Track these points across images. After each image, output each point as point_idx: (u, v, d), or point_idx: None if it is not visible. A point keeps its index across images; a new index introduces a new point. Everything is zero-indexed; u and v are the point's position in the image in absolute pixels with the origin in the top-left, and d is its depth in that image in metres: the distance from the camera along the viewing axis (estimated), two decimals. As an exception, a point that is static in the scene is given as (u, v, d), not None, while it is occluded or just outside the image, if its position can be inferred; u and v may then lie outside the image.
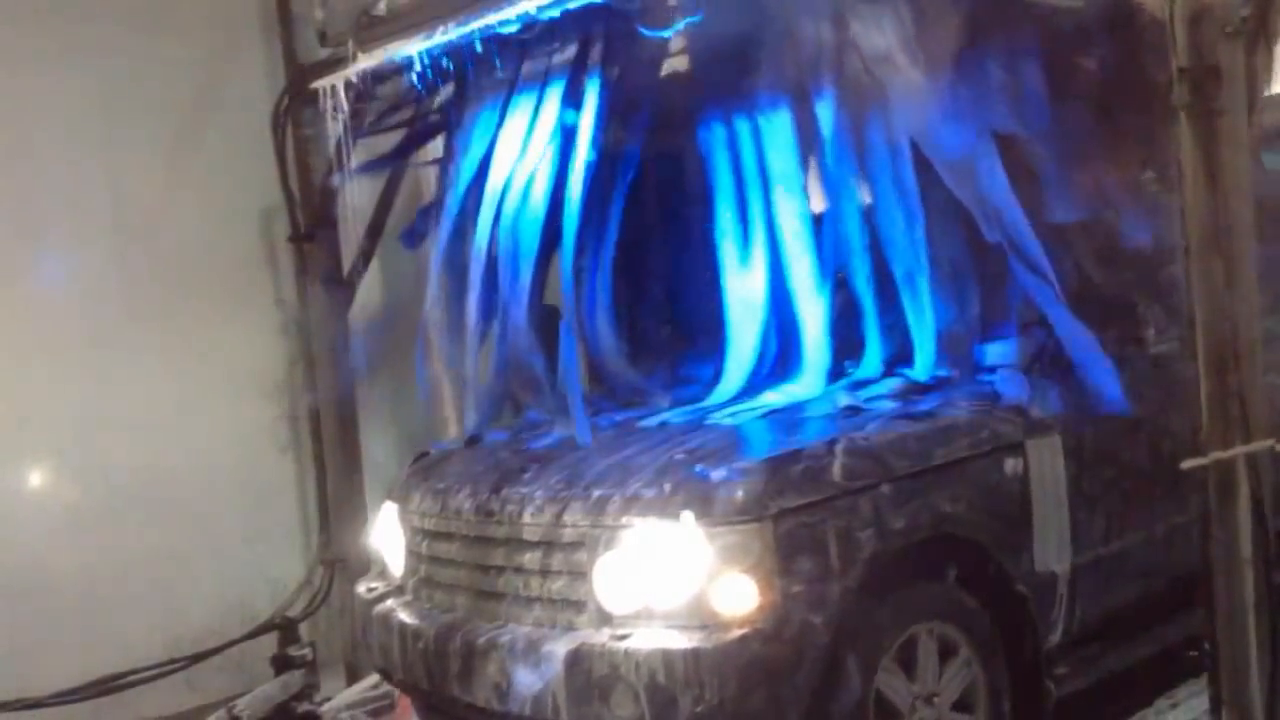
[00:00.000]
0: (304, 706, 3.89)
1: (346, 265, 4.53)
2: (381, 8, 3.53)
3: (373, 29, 3.65)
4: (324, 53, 4.14)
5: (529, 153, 3.48)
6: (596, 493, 2.82)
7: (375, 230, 4.49)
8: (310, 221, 4.40)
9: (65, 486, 4.21)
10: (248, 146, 4.51)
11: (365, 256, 4.52)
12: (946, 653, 2.86)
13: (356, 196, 4.62)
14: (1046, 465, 3.02)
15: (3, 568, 4.00)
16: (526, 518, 2.91)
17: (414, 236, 4.25)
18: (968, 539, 2.90)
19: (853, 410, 3.04)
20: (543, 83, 3.46)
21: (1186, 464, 2.37)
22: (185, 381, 4.45)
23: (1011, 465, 2.98)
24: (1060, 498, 3.05)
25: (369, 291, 4.75)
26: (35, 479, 4.18)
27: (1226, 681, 2.48)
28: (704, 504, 2.63)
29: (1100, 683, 3.15)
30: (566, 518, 2.83)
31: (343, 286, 4.52)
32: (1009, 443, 2.98)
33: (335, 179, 4.17)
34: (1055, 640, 3.07)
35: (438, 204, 3.92)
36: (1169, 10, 2.37)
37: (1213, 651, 2.50)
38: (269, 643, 4.24)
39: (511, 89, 3.53)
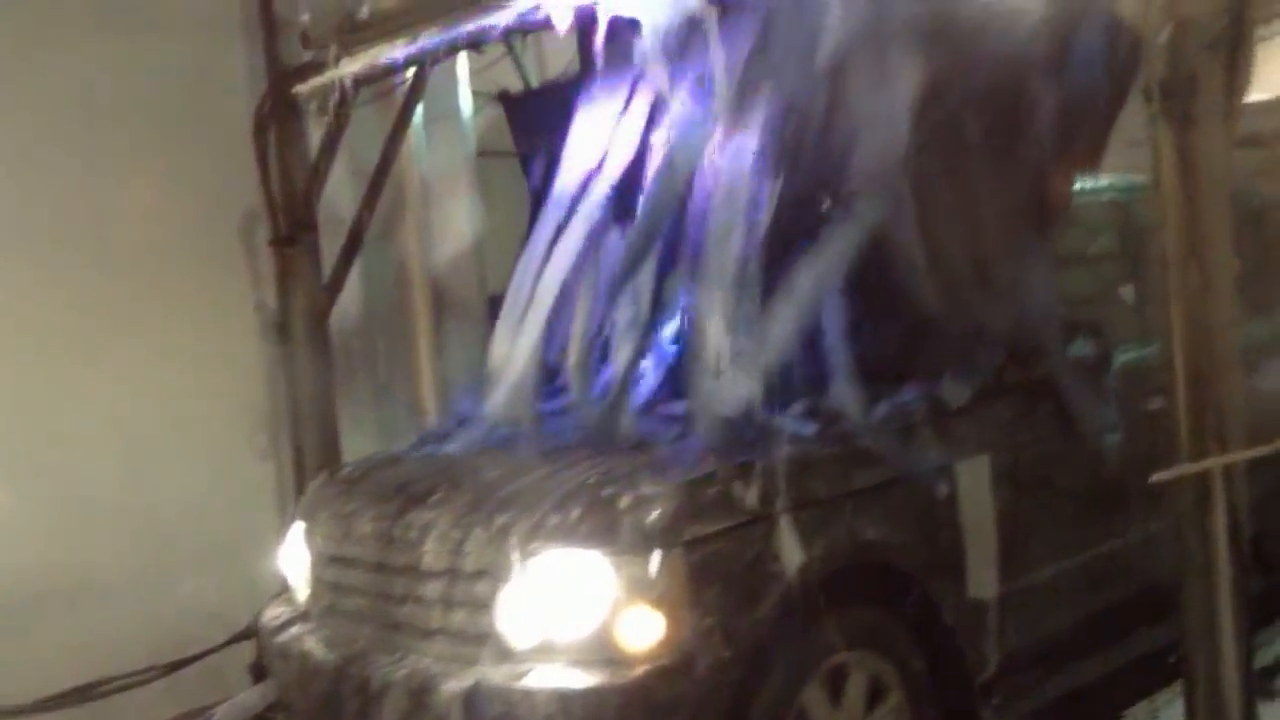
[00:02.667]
0: (280, 716, 3.85)
1: (327, 269, 4.52)
2: (365, 12, 3.51)
3: (356, 33, 3.63)
4: (306, 56, 4.13)
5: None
6: (500, 519, 2.67)
7: (357, 234, 4.48)
8: (291, 225, 4.37)
9: (42, 494, 4.17)
10: (229, 150, 4.48)
11: (347, 261, 4.51)
12: (873, 685, 2.74)
13: (338, 200, 4.65)
14: (976, 488, 2.92)
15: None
16: (429, 545, 2.75)
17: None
18: (892, 566, 2.79)
19: (766, 431, 2.86)
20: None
21: (1160, 476, 2.36)
22: (162, 387, 4.42)
23: (939, 488, 2.86)
24: (990, 522, 2.94)
25: (349, 294, 4.75)
26: (12, 488, 4.13)
27: (1202, 692, 2.48)
28: (609, 532, 2.49)
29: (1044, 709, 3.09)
30: (469, 546, 2.68)
31: (324, 290, 4.49)
32: (935, 465, 2.86)
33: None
34: (990, 670, 2.95)
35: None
36: (1145, 20, 2.38)
37: (1187, 662, 2.50)
38: (249, 650, 4.21)
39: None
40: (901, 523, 2.78)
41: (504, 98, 4.62)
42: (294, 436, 4.65)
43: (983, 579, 2.91)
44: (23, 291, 4.15)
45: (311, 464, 4.60)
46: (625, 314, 3.31)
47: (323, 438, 4.60)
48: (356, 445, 4.78)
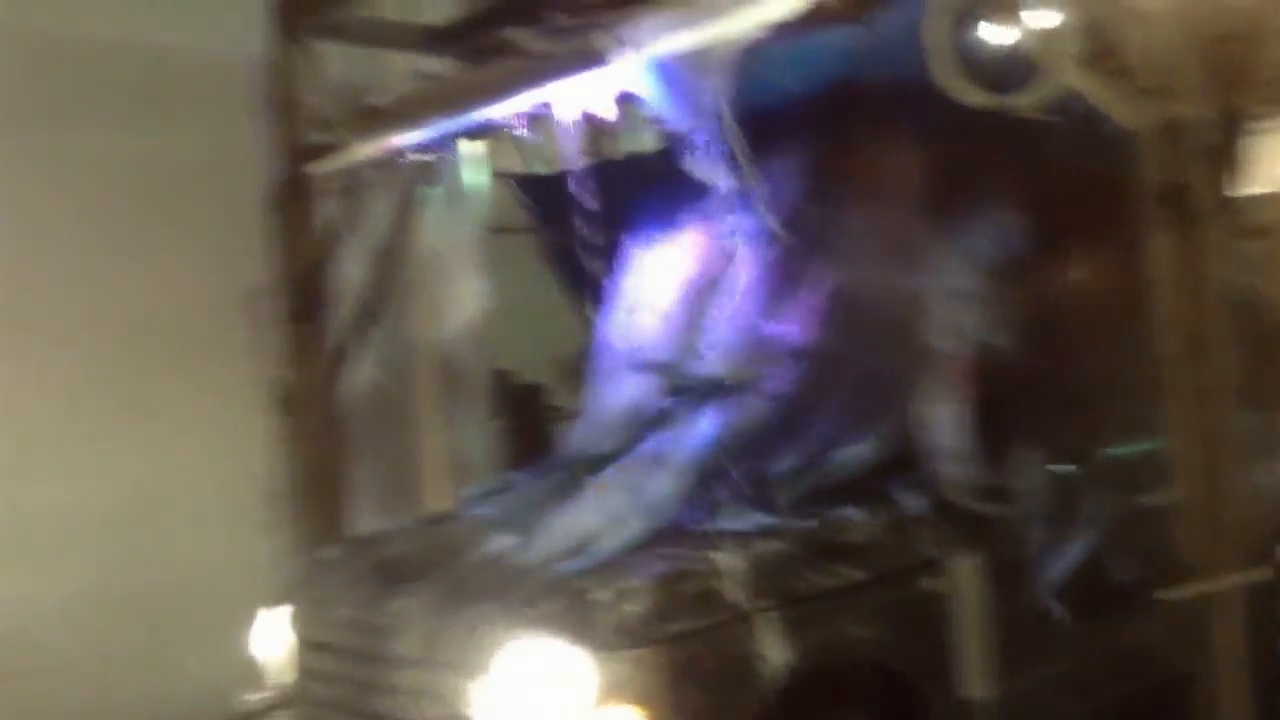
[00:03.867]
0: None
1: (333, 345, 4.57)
2: (379, 99, 3.59)
3: (368, 119, 3.71)
4: (319, 138, 4.22)
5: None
6: (476, 609, 2.63)
7: (365, 310, 4.53)
8: (301, 302, 4.43)
9: (47, 563, 4.19)
10: (240, 227, 4.56)
11: (354, 336, 4.55)
12: None
13: (347, 276, 4.71)
14: (969, 584, 2.86)
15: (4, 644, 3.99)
16: (405, 633, 2.73)
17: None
18: (882, 665, 2.73)
19: (756, 522, 2.82)
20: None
21: (1168, 594, 2.33)
22: (169, 459, 4.49)
23: (930, 585, 2.81)
24: (983, 618, 2.87)
25: (357, 369, 4.79)
26: (28, 567, 4.14)
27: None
28: (588, 627, 2.44)
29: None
30: (444, 635, 2.64)
31: (331, 365, 4.54)
32: (926, 560, 2.81)
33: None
34: None
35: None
36: (1142, 128, 2.44)
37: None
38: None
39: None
40: (892, 619, 2.71)
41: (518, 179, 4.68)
42: (298, 509, 4.66)
43: (980, 678, 2.85)
44: (37, 364, 4.21)
45: (314, 538, 4.62)
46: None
47: (326, 510, 4.62)
48: (360, 519, 4.81)
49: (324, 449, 4.55)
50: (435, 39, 4.58)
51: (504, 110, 3.40)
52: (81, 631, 4.23)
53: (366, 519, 4.82)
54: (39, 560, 4.19)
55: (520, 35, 3.46)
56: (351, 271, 4.68)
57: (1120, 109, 2.45)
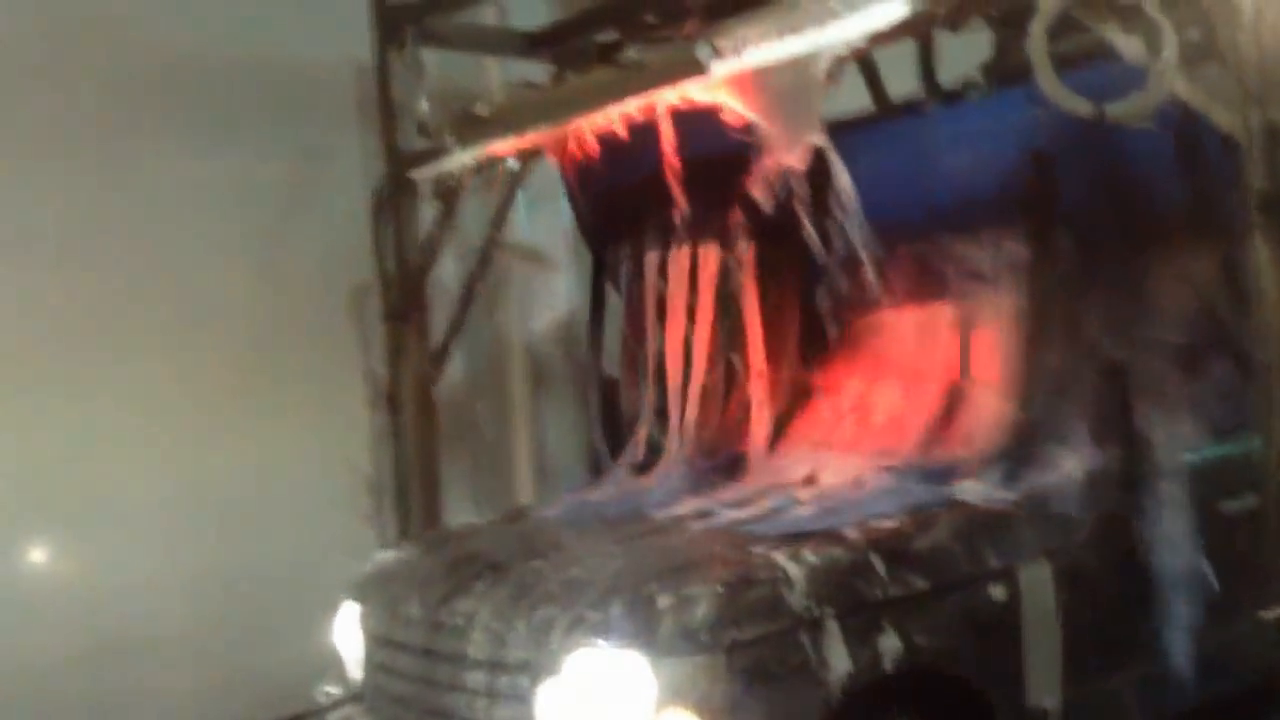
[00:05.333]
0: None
1: (433, 342, 4.73)
2: (482, 109, 3.72)
3: (470, 126, 3.85)
4: (421, 144, 4.37)
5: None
6: (543, 612, 2.64)
7: (463, 309, 4.69)
8: (403, 301, 4.59)
9: (159, 556, 4.39)
10: (343, 229, 4.75)
11: (453, 334, 4.71)
12: None
13: (444, 276, 4.87)
14: (1038, 592, 2.82)
15: (102, 633, 4.19)
16: (473, 634, 2.73)
17: None
18: (947, 673, 2.69)
19: (821, 526, 2.82)
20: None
21: (1271, 613, 2.32)
22: (275, 453, 4.65)
23: (998, 592, 2.77)
24: (1052, 627, 2.83)
25: (452, 365, 4.95)
26: (133, 550, 4.34)
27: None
28: (649, 632, 2.43)
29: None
30: (511, 638, 2.66)
31: (431, 362, 4.70)
32: (995, 568, 2.77)
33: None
34: None
35: None
36: (1245, 131, 2.45)
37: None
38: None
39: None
40: (958, 627, 2.67)
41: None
42: (399, 502, 4.83)
43: (1047, 686, 2.82)
44: (152, 361, 4.42)
45: (415, 528, 4.79)
46: None
47: (426, 503, 4.78)
48: (457, 510, 4.97)
49: (423, 443, 4.70)
50: (531, 44, 4.72)
51: (603, 118, 3.48)
52: (187, 617, 4.38)
53: (462, 512, 4.99)
54: (148, 548, 4.36)
55: (618, 43, 3.55)
56: (450, 271, 4.85)
57: (1222, 115, 2.46)
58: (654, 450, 3.83)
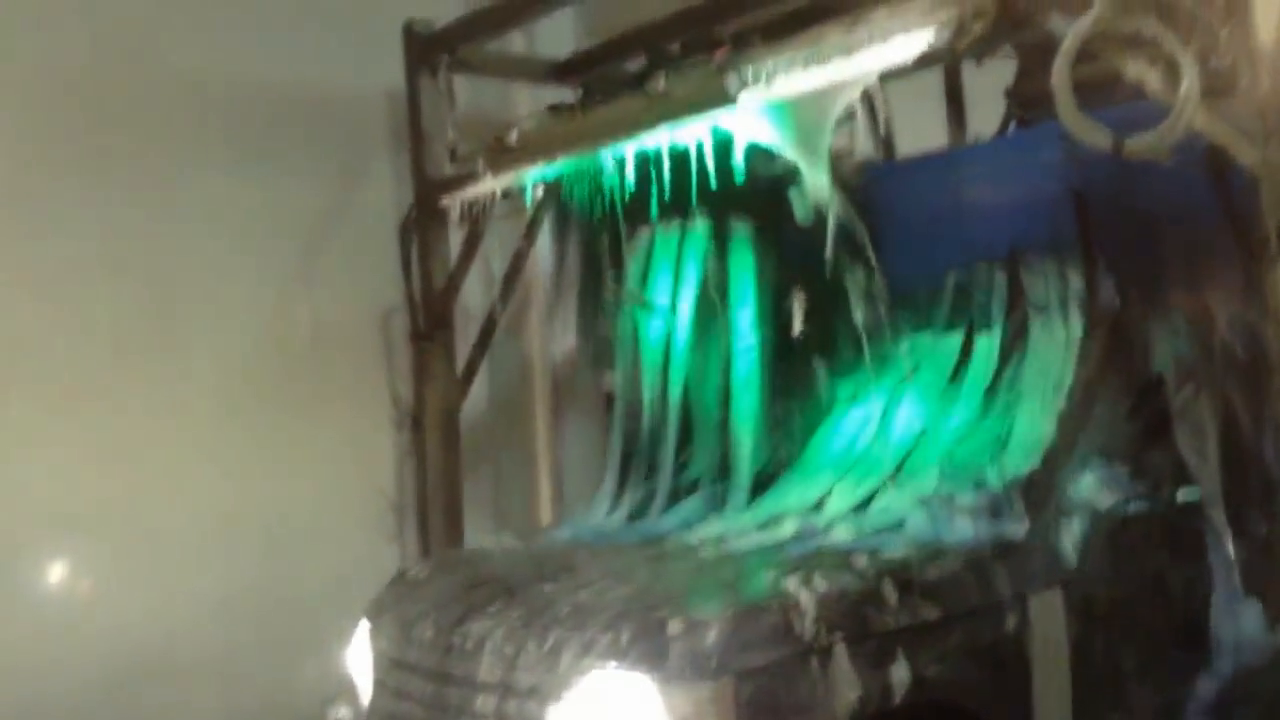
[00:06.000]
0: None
1: (459, 364, 4.80)
2: (514, 137, 3.80)
3: (500, 153, 3.92)
4: (450, 169, 4.46)
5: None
6: (553, 636, 2.65)
7: (488, 332, 4.76)
8: (430, 323, 4.66)
9: (183, 573, 4.43)
10: (373, 253, 4.84)
11: (478, 356, 4.78)
12: None
13: (470, 299, 4.94)
14: (1049, 624, 2.80)
15: (133, 654, 4.24)
16: (484, 657, 2.74)
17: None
18: (956, 705, 2.67)
19: (832, 553, 2.84)
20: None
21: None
22: (299, 471, 4.71)
23: (1010, 623, 2.75)
24: (1062, 660, 2.82)
25: (476, 387, 5.01)
26: (161, 574, 4.38)
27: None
28: (659, 658, 2.44)
29: None
30: (521, 661, 2.66)
31: (457, 384, 4.76)
32: (1007, 598, 2.75)
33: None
34: None
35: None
36: (1265, 165, 2.49)
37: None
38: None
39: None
40: (968, 658, 2.67)
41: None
42: (421, 522, 4.88)
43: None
44: (178, 382, 4.49)
45: (435, 547, 4.84)
46: None
47: (449, 522, 4.83)
48: (479, 530, 5.02)
49: (447, 464, 4.76)
50: (559, 72, 4.81)
51: (631, 147, 3.54)
52: (216, 637, 4.41)
53: (484, 533, 5.03)
54: (178, 568, 4.40)
55: (646, 71, 3.61)
56: (475, 294, 4.92)
57: (1242, 149, 2.50)
58: (666, 474, 3.85)
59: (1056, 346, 3.16)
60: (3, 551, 4.13)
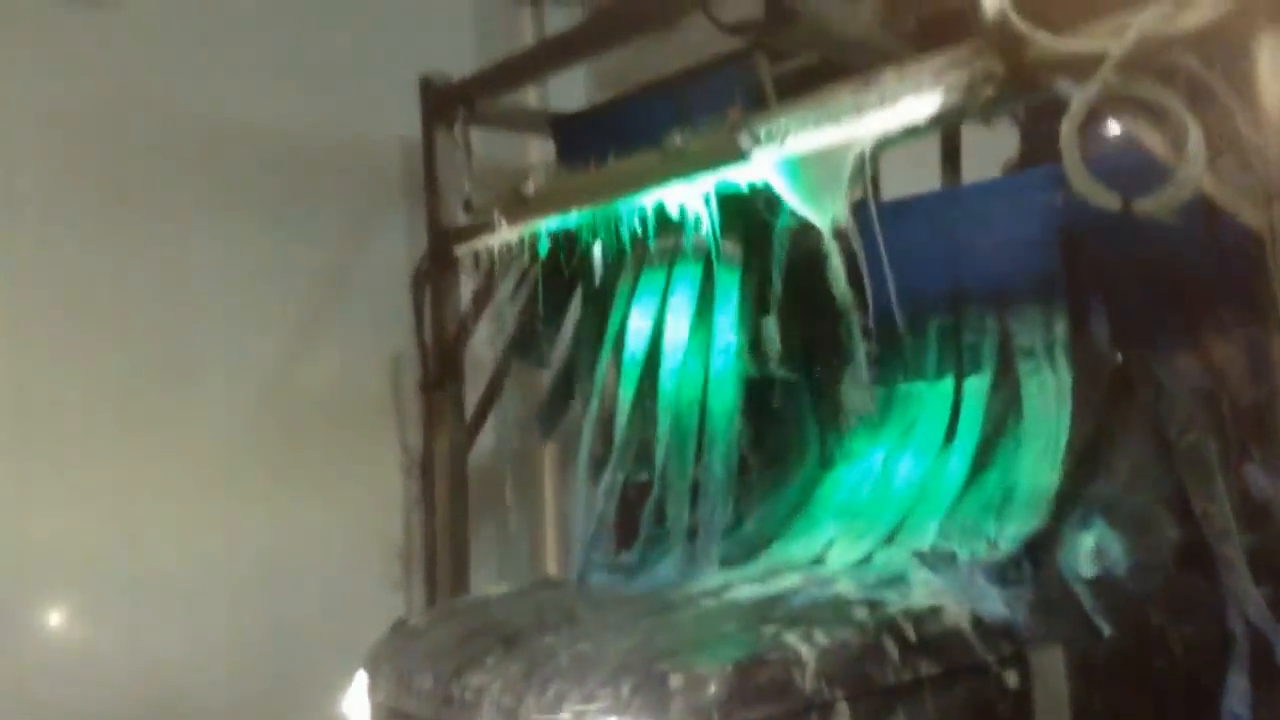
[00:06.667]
0: None
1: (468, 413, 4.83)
2: (530, 189, 3.87)
3: (515, 205, 3.98)
4: (462, 219, 4.52)
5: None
6: (553, 688, 2.65)
7: (497, 381, 4.79)
8: (440, 372, 4.70)
9: (188, 616, 4.45)
10: (384, 301, 4.91)
11: (487, 405, 4.81)
12: None
13: (479, 348, 4.99)
14: (1050, 681, 2.79)
15: (146, 698, 4.26)
16: (484, 708, 2.75)
17: (548, 425, 4.45)
18: None
19: (837, 605, 2.84)
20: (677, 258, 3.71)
21: None
22: (306, 517, 4.73)
23: (1010, 679, 2.74)
24: (1064, 718, 2.79)
25: (483, 436, 5.04)
26: (172, 619, 4.41)
27: None
28: (660, 712, 2.45)
29: None
30: (521, 713, 2.67)
31: (465, 432, 4.79)
32: (1008, 654, 2.75)
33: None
34: None
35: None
36: (1270, 227, 2.53)
37: None
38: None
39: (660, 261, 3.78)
40: (968, 716, 2.66)
41: (553, 122, 4.73)
42: (428, 568, 4.89)
43: None
44: (191, 432, 4.53)
45: (442, 596, 4.84)
46: None
47: (455, 571, 4.84)
48: (485, 579, 5.02)
49: (454, 511, 4.78)
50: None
51: (642, 200, 3.60)
52: (225, 682, 4.42)
53: (489, 581, 5.03)
54: (189, 613, 4.42)
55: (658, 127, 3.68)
56: (485, 343, 4.96)
57: (1247, 211, 2.55)
58: (670, 524, 3.81)
59: (1048, 395, 3.17)
60: (16, 593, 4.16)
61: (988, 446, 3.33)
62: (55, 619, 4.27)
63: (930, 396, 3.54)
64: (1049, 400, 3.20)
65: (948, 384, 3.49)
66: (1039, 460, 3.15)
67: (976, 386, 3.43)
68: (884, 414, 3.63)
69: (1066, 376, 3.18)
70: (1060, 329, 3.22)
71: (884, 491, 3.50)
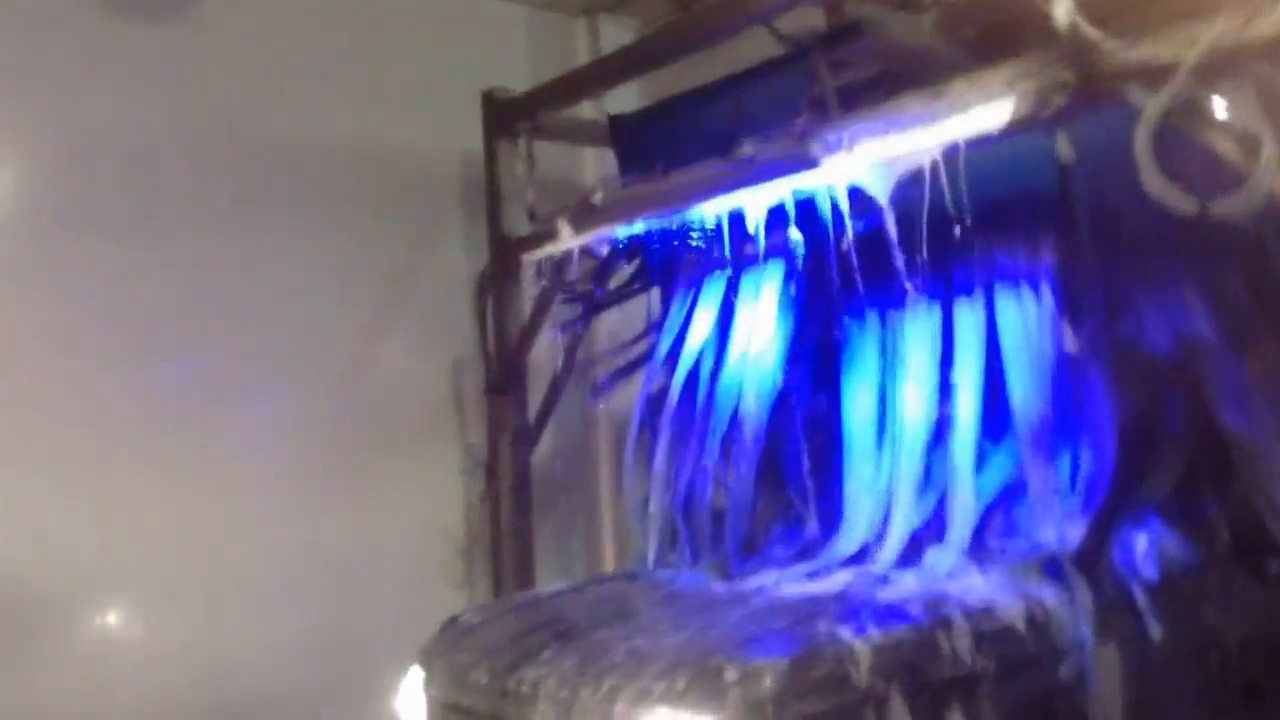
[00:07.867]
0: None
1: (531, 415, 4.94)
2: (598, 198, 3.97)
3: (581, 215, 4.09)
4: (525, 228, 4.64)
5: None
6: (609, 682, 2.66)
7: (559, 386, 4.90)
8: (503, 376, 4.81)
9: (270, 623, 4.57)
10: (448, 307, 5.04)
11: (548, 408, 4.92)
12: None
13: (540, 353, 5.10)
14: (1104, 677, 2.80)
15: (220, 696, 4.39)
16: (540, 703, 2.77)
17: (600, 392, 4.60)
18: None
19: (891, 600, 2.86)
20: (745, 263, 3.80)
21: None
22: (372, 517, 4.86)
23: (1065, 674, 2.75)
24: (1117, 715, 2.80)
25: (544, 440, 5.16)
26: (244, 618, 4.52)
27: None
28: (715, 705, 2.45)
29: None
30: (577, 707, 2.68)
31: (528, 434, 4.90)
32: (1063, 650, 2.76)
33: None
34: None
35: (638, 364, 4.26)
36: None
37: None
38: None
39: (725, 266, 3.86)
40: (1024, 711, 2.66)
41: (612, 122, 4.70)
42: (494, 567, 5.00)
43: None
44: (261, 435, 4.65)
45: (508, 592, 4.94)
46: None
47: (519, 570, 4.95)
48: (549, 577, 5.13)
49: (518, 511, 4.89)
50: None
51: (711, 209, 3.71)
52: (296, 680, 4.52)
53: (551, 579, 5.13)
54: (260, 612, 4.53)
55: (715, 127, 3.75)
56: (546, 348, 5.08)
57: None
58: (724, 522, 3.86)
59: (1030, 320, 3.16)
60: (91, 595, 4.28)
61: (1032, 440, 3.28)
62: (129, 620, 4.39)
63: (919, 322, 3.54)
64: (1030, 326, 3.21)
65: (935, 309, 3.49)
66: (1087, 454, 3.15)
67: (966, 310, 3.44)
68: (876, 339, 3.65)
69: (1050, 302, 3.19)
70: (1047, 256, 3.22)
71: (932, 485, 3.46)
